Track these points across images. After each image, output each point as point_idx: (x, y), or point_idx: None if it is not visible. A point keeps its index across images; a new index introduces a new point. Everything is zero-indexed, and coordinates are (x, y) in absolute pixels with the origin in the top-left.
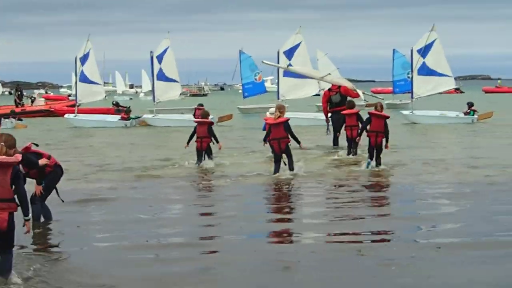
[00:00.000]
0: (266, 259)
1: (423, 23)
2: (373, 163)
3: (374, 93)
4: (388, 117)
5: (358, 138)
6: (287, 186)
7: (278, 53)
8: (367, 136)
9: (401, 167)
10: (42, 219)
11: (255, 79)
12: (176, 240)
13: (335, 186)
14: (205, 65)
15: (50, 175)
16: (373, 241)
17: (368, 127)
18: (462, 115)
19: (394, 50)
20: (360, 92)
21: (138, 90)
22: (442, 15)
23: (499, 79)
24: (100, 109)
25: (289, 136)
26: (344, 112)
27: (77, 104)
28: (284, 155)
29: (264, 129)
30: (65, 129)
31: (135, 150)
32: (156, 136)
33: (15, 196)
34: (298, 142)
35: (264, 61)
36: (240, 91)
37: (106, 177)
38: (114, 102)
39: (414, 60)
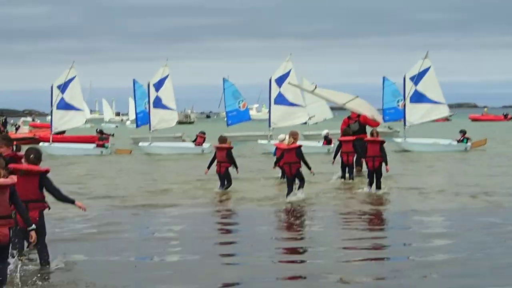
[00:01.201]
0: None
1: (411, 52)
2: (372, 188)
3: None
4: (383, 142)
5: (357, 168)
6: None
7: (270, 81)
8: (365, 161)
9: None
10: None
11: (239, 106)
12: None
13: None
14: (191, 92)
15: None
16: None
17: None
18: (455, 143)
19: (384, 78)
20: (380, 120)
21: (125, 117)
22: (429, 43)
23: (485, 107)
24: (84, 137)
25: (301, 162)
26: (341, 138)
27: (53, 132)
28: (296, 179)
29: (274, 154)
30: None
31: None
32: (149, 163)
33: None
34: (309, 168)
35: (290, 82)
36: None
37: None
38: (98, 130)
39: (406, 88)
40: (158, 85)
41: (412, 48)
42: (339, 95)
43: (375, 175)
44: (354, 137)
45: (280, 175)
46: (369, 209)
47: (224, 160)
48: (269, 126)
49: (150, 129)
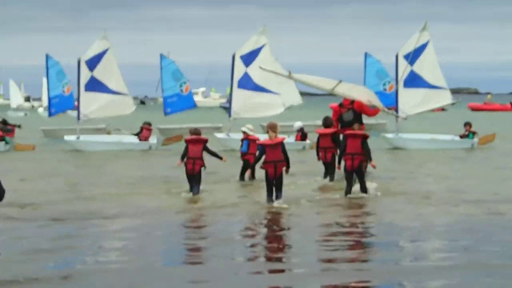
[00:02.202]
0: None
1: (401, 24)
2: (356, 188)
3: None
4: (367, 137)
5: (338, 166)
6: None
7: (234, 58)
8: (344, 160)
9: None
10: None
11: (181, 90)
12: None
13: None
14: (123, 73)
15: None
16: None
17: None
18: (458, 138)
19: (366, 54)
20: (381, 106)
21: (36, 103)
22: (421, 14)
23: (488, 93)
24: None
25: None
26: (318, 131)
27: None
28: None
29: (245, 150)
30: None
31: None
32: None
33: None
34: (288, 167)
35: (262, 67)
36: None
37: None
38: (1, 120)
39: (399, 69)
40: (93, 62)
41: (402, 18)
42: (324, 81)
43: (357, 176)
44: (332, 130)
45: (238, 177)
46: (349, 222)
47: (200, 156)
48: (229, 116)
49: (78, 119)
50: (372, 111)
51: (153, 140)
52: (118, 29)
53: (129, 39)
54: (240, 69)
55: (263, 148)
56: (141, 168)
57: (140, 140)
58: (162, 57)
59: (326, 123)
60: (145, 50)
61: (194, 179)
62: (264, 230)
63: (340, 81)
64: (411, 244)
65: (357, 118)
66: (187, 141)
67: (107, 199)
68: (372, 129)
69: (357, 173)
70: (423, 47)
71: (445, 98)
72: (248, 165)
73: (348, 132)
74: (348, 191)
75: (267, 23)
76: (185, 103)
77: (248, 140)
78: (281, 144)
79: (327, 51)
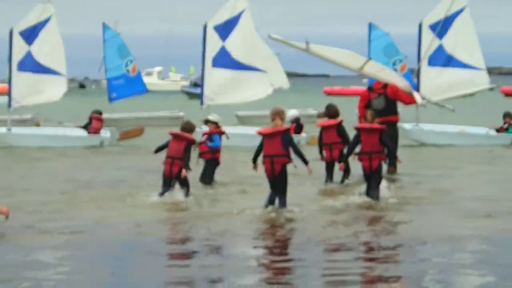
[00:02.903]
0: None
1: None
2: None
3: (330, 94)
4: (384, 130)
5: (341, 164)
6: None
7: (205, 28)
8: (359, 159)
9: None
10: None
11: (127, 70)
12: None
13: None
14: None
15: None
16: None
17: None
18: (494, 132)
19: (370, 25)
20: (417, 96)
21: None
22: None
23: None
24: None
25: (290, 153)
26: (320, 123)
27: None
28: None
29: (218, 145)
30: None
31: None
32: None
33: None
34: (306, 163)
35: (272, 35)
36: None
37: None
38: None
39: (423, 42)
40: (30, 34)
41: None
42: (349, 56)
43: (373, 179)
44: (337, 121)
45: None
46: (356, 239)
47: (180, 156)
48: (201, 103)
49: (9, 106)
50: (409, 98)
51: (105, 133)
52: None
53: (66, 3)
54: (214, 43)
55: (262, 138)
56: (89, 168)
57: (89, 133)
58: (104, 27)
59: (330, 112)
60: (87, 18)
61: (171, 182)
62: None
63: (369, 59)
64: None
65: (390, 106)
66: (171, 134)
67: (40, 210)
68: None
69: (374, 175)
70: (455, 15)
71: (481, 82)
72: (217, 164)
73: (359, 125)
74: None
75: None
76: (134, 87)
77: (219, 133)
78: (282, 135)
79: (319, 19)
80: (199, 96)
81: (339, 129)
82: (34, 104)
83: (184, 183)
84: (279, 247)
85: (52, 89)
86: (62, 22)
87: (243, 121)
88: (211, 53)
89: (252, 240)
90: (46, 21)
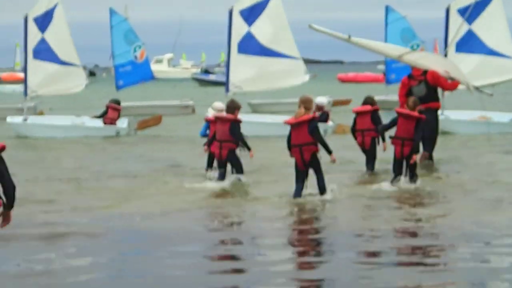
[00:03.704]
0: None
1: None
2: (403, 178)
3: (344, 81)
4: (422, 119)
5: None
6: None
7: (231, 14)
8: (392, 143)
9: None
10: None
11: (135, 56)
12: None
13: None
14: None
15: None
16: None
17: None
18: None
19: (387, 8)
20: (464, 81)
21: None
22: None
23: None
24: None
25: (316, 143)
26: (356, 109)
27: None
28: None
29: (203, 134)
30: None
31: None
32: None
33: None
34: (329, 152)
35: (312, 25)
36: None
37: None
38: None
39: (451, 27)
40: (44, 21)
41: None
42: (390, 46)
43: (407, 165)
44: (372, 108)
45: (206, 165)
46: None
47: (226, 137)
48: (227, 90)
49: (25, 95)
50: (450, 84)
51: (122, 123)
52: None
53: None
54: (240, 28)
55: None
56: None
57: (105, 123)
58: (112, 13)
59: (367, 100)
60: (97, 3)
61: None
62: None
63: (409, 51)
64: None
65: (431, 93)
66: (215, 118)
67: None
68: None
69: (407, 161)
70: (487, 0)
71: (508, 71)
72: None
73: (399, 109)
74: (394, 180)
75: None
76: (141, 73)
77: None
78: (309, 123)
79: (334, 4)
80: (211, 83)
81: (374, 116)
82: (53, 94)
83: (235, 164)
84: (312, 240)
85: (72, 81)
86: (72, 8)
87: (256, 109)
88: (236, 39)
89: (284, 230)
90: (54, 8)
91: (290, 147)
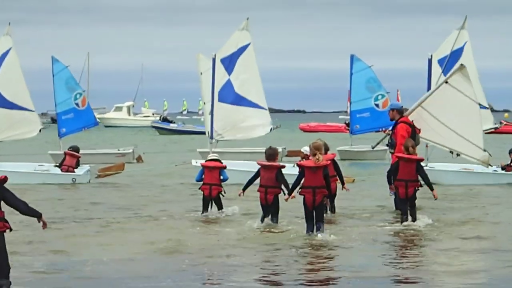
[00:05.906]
0: None
1: (402, 15)
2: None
3: (306, 130)
4: (421, 160)
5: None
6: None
7: (214, 61)
8: (395, 186)
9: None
10: None
11: (77, 104)
12: None
13: None
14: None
15: None
16: None
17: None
18: (499, 169)
19: (352, 57)
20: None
21: None
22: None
23: (506, 111)
24: None
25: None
26: (399, 154)
27: None
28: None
29: (198, 179)
30: None
31: None
32: None
33: None
34: (342, 183)
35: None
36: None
37: None
38: None
39: (433, 77)
40: None
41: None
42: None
43: (410, 205)
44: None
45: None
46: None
47: (272, 184)
48: (211, 137)
49: None
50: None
51: (80, 170)
52: (25, 23)
53: (40, 33)
54: (221, 78)
55: (303, 171)
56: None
57: (62, 170)
58: (54, 61)
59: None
60: (60, 48)
61: (269, 209)
62: None
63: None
64: None
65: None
66: (259, 165)
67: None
68: (357, 160)
69: (410, 201)
70: (460, 50)
71: (487, 120)
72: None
73: (400, 154)
74: (403, 219)
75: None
76: (83, 120)
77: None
78: (323, 168)
79: (299, 53)
80: (171, 132)
81: (334, 163)
82: (11, 139)
83: (275, 209)
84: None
85: (27, 126)
86: (29, 55)
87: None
88: (218, 86)
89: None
90: (6, 53)
91: (295, 186)
